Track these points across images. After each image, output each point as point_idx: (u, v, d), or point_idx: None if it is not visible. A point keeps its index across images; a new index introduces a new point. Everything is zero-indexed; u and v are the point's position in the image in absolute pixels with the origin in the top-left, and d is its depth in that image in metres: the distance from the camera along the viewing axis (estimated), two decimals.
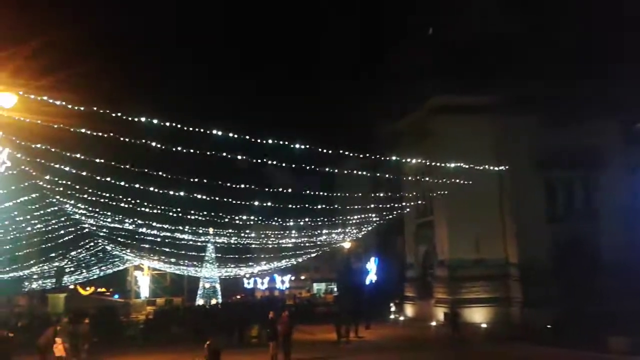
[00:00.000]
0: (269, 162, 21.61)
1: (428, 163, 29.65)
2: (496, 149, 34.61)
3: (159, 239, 45.12)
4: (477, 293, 34.48)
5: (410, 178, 35.19)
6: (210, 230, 49.81)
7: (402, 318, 39.33)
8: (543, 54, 32.90)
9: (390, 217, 40.10)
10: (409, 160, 31.75)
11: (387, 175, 31.73)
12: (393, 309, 40.42)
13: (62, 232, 41.12)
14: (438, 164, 28.91)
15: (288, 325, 20.92)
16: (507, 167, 32.68)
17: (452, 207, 35.05)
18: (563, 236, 33.78)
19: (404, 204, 39.43)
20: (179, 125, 17.46)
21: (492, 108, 34.90)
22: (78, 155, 20.21)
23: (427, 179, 33.97)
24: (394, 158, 30.34)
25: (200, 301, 68.30)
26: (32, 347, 23.72)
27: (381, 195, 34.89)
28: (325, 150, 21.64)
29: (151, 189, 25.39)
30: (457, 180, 30.05)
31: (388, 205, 38.02)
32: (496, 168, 31.85)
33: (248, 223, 40.00)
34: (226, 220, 36.14)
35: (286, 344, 20.56)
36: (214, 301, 67.28)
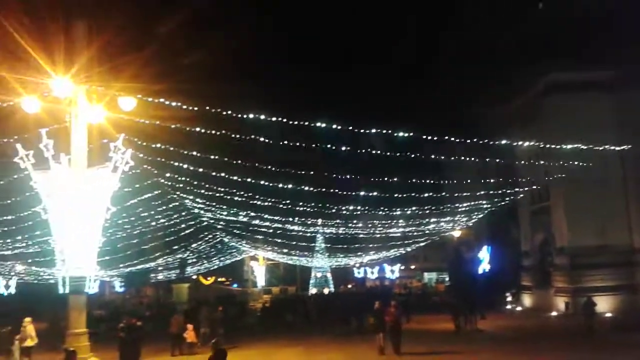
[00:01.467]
0: (374, 152, 21.53)
1: (543, 145, 28.15)
2: (618, 127, 32.16)
3: (271, 230, 46.68)
4: (601, 281, 32.39)
5: (523, 162, 33.66)
6: (319, 221, 50.72)
7: (519, 308, 37.87)
8: None
9: (503, 203, 38.60)
10: (521, 143, 30.37)
11: (498, 160, 30.52)
12: (509, 299, 39.01)
13: (183, 225, 43.63)
14: (554, 146, 27.35)
15: (396, 316, 19.96)
16: (630, 146, 30.23)
17: (571, 191, 33.19)
18: None
19: (517, 189, 37.86)
20: (284, 120, 17.93)
21: (613, 83, 32.55)
22: (194, 153, 21.42)
23: (542, 162, 32.33)
24: (505, 142, 29.10)
25: (313, 290, 69.92)
26: (159, 335, 25.66)
27: (492, 181, 33.65)
28: (431, 137, 21.21)
29: (262, 182, 26.35)
30: (576, 163, 28.25)
31: (500, 192, 36.60)
32: (618, 148, 29.56)
33: (355, 213, 40.23)
34: (333, 210, 36.59)
35: (394, 335, 19.57)
36: (326, 290, 68.59)
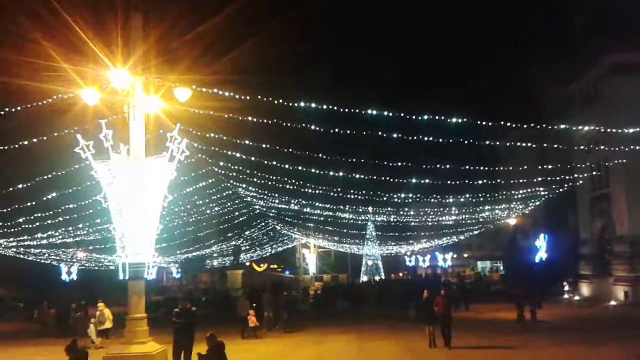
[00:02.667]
0: (426, 138, 21.19)
1: (603, 129, 27.07)
2: None
3: (322, 218, 46.97)
4: None
5: (582, 147, 32.50)
6: (370, 208, 50.67)
7: (576, 298, 36.78)
8: None
9: (561, 190, 37.47)
10: (580, 127, 29.31)
11: (555, 146, 29.54)
12: (566, 288, 37.94)
13: (236, 213, 44.53)
14: (614, 130, 26.26)
15: (445, 306, 18.16)
16: None
17: (633, 177, 31.88)
18: None
19: (575, 175, 36.65)
20: (335, 108, 17.91)
21: None
22: (247, 142, 21.70)
23: (602, 147, 31.12)
24: (562, 126, 28.14)
25: (364, 278, 69.94)
26: (216, 319, 26.27)
27: (549, 167, 32.64)
28: (485, 123, 20.73)
29: (312, 170, 26.46)
30: (638, 147, 27.06)
31: (557, 178, 35.52)
32: None
33: (407, 201, 39.93)
34: (385, 198, 36.42)
35: (444, 327, 17.93)
36: (377, 278, 68.48)
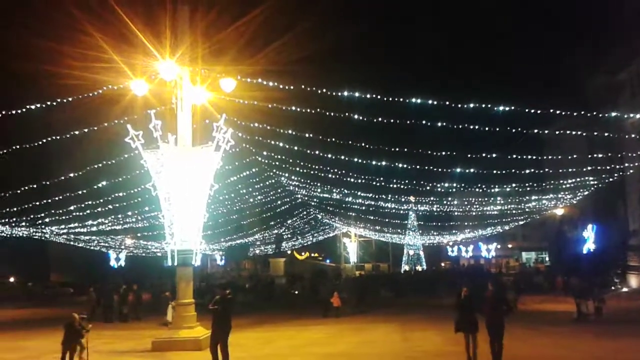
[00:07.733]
0: (471, 127, 20.83)
1: None
2: None
3: (363, 208, 46.96)
4: None
5: (632, 136, 31.39)
6: (412, 198, 50.33)
7: (624, 289, 35.79)
8: None
9: (610, 180, 36.35)
10: (630, 115, 28.34)
11: (605, 134, 28.58)
12: (614, 279, 36.98)
13: (279, 202, 45.00)
14: None
15: (493, 309, 12.61)
16: None
17: None
18: None
19: (625, 165, 35.47)
20: (378, 96, 17.83)
21: None
22: (290, 131, 21.86)
23: None
24: (613, 114, 27.24)
25: (405, 267, 69.71)
26: (255, 306, 26.60)
27: (598, 156, 31.64)
28: (533, 110, 20.23)
29: (355, 159, 26.46)
30: None
31: (606, 167, 34.46)
32: None
33: (450, 190, 39.49)
34: (427, 188, 36.12)
35: (494, 335, 12.44)
36: (419, 268, 68.20)
